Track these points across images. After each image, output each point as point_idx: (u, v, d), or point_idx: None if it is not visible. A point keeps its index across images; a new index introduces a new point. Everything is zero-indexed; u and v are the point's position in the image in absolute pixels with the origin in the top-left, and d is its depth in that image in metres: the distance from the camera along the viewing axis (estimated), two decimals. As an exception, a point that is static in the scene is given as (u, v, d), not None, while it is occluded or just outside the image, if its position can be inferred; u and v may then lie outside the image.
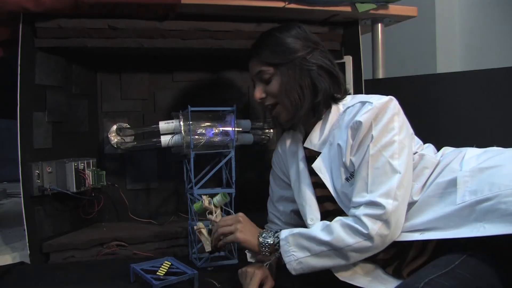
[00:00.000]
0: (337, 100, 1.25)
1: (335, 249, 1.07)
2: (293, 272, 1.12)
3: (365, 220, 1.04)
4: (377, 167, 1.08)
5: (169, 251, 1.52)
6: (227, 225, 1.20)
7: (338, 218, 1.10)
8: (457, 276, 0.90)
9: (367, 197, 1.06)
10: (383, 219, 1.03)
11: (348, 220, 1.07)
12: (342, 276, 1.14)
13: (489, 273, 0.94)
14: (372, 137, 1.10)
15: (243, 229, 1.18)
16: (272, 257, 1.17)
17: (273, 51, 1.23)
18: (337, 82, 1.25)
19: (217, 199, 1.28)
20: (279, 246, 1.14)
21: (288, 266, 1.12)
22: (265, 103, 1.27)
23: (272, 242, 1.15)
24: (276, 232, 1.17)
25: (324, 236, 1.08)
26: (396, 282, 1.09)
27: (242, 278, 1.17)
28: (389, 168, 1.07)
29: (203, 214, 1.30)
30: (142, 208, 1.78)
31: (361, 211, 1.06)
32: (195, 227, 1.30)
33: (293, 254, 1.11)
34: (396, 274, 1.13)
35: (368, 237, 1.04)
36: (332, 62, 1.26)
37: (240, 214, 1.22)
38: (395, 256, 1.14)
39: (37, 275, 1.30)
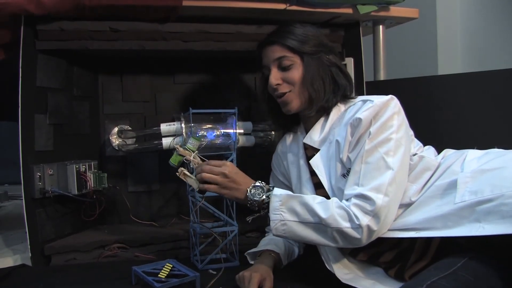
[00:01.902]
0: (347, 100, 1.26)
1: (324, 225, 1.07)
2: (274, 232, 1.12)
3: (356, 211, 1.04)
4: (371, 162, 1.08)
5: (170, 253, 1.51)
6: (212, 172, 1.15)
7: (334, 198, 1.11)
8: (459, 279, 0.90)
9: (357, 190, 1.07)
10: (373, 213, 1.04)
11: (343, 204, 1.07)
12: (344, 278, 1.14)
13: (491, 275, 0.94)
14: (370, 133, 1.10)
15: (228, 185, 1.15)
16: (257, 213, 1.15)
17: (299, 40, 1.25)
18: (351, 83, 1.29)
19: (190, 142, 1.25)
20: (267, 205, 1.13)
21: (271, 224, 1.11)
22: (279, 90, 1.27)
23: (260, 200, 1.13)
24: (269, 190, 1.14)
25: (319, 210, 1.07)
26: (398, 285, 1.08)
27: (240, 283, 1.17)
28: (383, 164, 1.07)
29: (181, 165, 1.26)
30: (143, 210, 1.78)
31: (351, 203, 1.06)
32: (177, 173, 1.22)
33: (281, 214, 1.11)
34: (398, 277, 1.13)
35: (358, 227, 1.04)
36: (345, 67, 1.30)
37: (228, 164, 1.16)
38: (397, 259, 1.14)
39: (39, 278, 1.29)
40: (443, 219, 1.02)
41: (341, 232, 1.05)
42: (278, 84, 1.26)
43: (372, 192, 1.05)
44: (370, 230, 1.04)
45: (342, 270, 1.17)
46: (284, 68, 1.26)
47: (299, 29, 1.27)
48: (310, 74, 1.24)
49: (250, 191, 1.14)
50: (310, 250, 1.37)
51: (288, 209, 1.11)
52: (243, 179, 1.17)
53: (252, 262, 1.33)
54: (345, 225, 1.05)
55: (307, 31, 1.27)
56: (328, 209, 1.07)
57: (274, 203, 1.12)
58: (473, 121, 1.63)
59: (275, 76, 1.26)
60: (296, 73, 1.24)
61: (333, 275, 1.16)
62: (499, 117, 1.59)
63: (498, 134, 1.57)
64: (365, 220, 1.04)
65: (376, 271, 1.19)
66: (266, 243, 1.35)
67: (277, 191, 1.14)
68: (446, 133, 1.67)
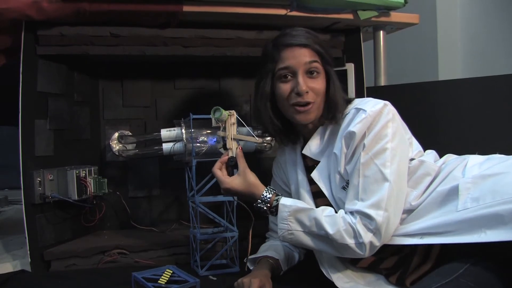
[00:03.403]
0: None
1: (330, 239, 1.08)
2: (281, 238, 1.15)
3: (360, 229, 1.05)
4: (368, 175, 1.08)
5: (170, 259, 1.51)
6: (217, 173, 1.23)
7: (341, 212, 1.11)
8: (461, 285, 0.90)
9: (357, 206, 1.07)
10: (375, 230, 1.05)
11: (350, 220, 1.07)
12: (345, 287, 1.14)
13: (493, 282, 0.93)
14: (364, 145, 1.10)
15: (226, 193, 1.23)
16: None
17: (323, 47, 1.21)
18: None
19: (216, 117, 1.27)
20: (275, 212, 1.16)
21: (279, 232, 1.15)
22: (305, 99, 1.17)
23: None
24: (274, 201, 1.16)
25: (327, 224, 1.08)
26: (400, 291, 1.08)
27: None
28: (380, 177, 1.07)
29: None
30: (143, 215, 1.77)
31: (356, 220, 1.06)
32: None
33: (289, 224, 1.13)
34: (399, 283, 1.13)
35: (361, 244, 1.05)
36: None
37: (227, 185, 1.20)
38: (398, 265, 1.13)
39: (38, 283, 1.29)
40: (446, 226, 1.02)
41: (345, 247, 1.07)
42: (306, 92, 1.17)
43: (372, 210, 1.05)
44: (372, 246, 1.06)
45: (342, 279, 1.17)
46: (311, 75, 1.18)
47: (322, 42, 1.23)
48: (333, 86, 1.21)
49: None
50: (310, 256, 1.36)
51: (296, 220, 1.13)
52: (245, 193, 1.20)
53: (252, 268, 1.32)
54: (350, 241, 1.06)
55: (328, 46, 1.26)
56: (335, 225, 1.08)
57: (283, 213, 1.13)
58: (474, 127, 1.63)
59: (305, 82, 1.17)
60: (322, 84, 1.20)
61: (333, 282, 1.15)
62: (501, 122, 1.59)
63: (499, 139, 1.57)
64: (367, 237, 1.05)
65: (377, 278, 1.18)
66: (266, 249, 1.34)
67: (286, 200, 1.15)
68: (447, 139, 1.67)
